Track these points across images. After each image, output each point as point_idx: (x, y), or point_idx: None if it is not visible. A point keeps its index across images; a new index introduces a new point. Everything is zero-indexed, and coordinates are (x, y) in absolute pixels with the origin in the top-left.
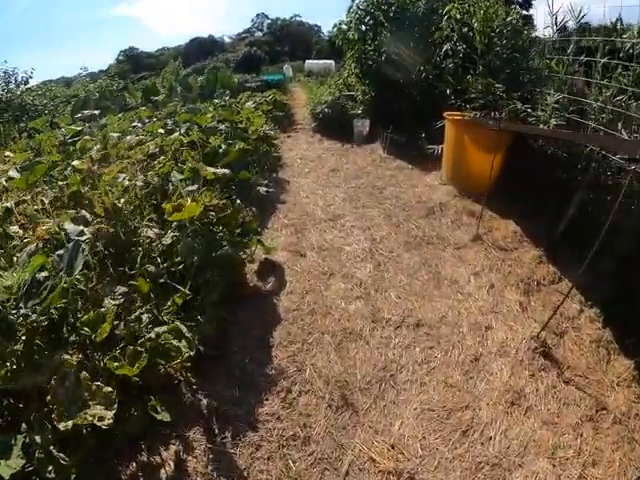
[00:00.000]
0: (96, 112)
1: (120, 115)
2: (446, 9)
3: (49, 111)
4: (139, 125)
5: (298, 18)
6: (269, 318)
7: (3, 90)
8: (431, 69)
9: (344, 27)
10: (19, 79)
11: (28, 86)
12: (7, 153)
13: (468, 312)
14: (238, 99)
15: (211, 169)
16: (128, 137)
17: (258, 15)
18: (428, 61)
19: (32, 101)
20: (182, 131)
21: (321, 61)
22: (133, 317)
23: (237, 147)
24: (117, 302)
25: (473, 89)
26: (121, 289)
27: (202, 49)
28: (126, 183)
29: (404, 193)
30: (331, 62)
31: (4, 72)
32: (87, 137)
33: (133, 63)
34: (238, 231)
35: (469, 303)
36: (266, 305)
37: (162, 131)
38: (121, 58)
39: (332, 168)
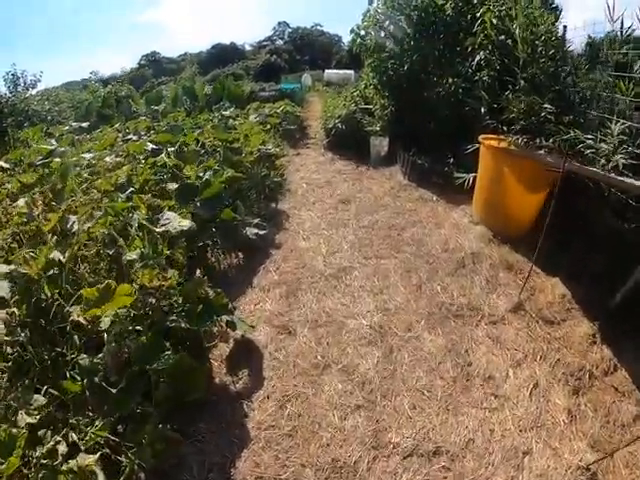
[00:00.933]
0: (84, 124)
1: (117, 126)
2: (480, 11)
3: (52, 118)
4: (133, 138)
5: (319, 27)
6: (235, 437)
7: (11, 93)
8: (461, 82)
9: (361, 32)
10: (27, 82)
11: (37, 90)
12: None
13: (503, 429)
14: (246, 110)
15: (161, 227)
16: (107, 158)
17: (279, 24)
18: (458, 73)
19: (35, 106)
20: (165, 154)
21: (341, 71)
22: (48, 447)
23: (224, 176)
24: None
25: (513, 108)
26: (39, 400)
27: (223, 56)
28: (76, 228)
29: (428, 236)
30: (351, 72)
31: (12, 75)
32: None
33: (154, 68)
34: (200, 308)
35: (505, 413)
36: (234, 415)
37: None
38: (143, 62)
39: (343, 198)
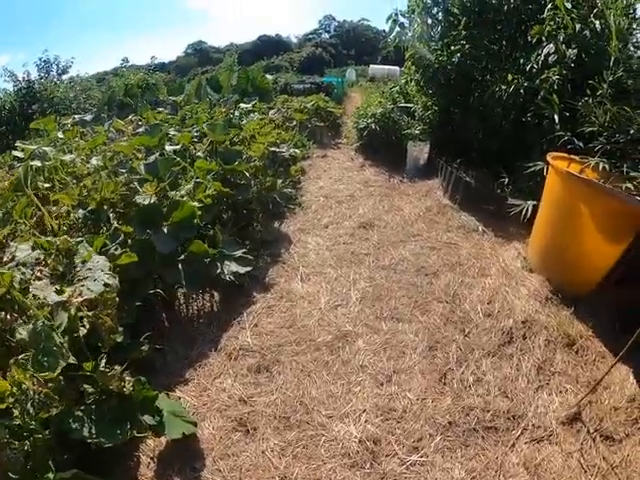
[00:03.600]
0: (87, 117)
1: (131, 117)
2: None
3: (77, 106)
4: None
5: (365, 22)
6: None
7: (41, 78)
8: (524, 81)
9: (402, 20)
10: (60, 68)
11: (69, 75)
12: None
13: None
14: (272, 103)
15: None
16: (94, 160)
17: (326, 17)
18: (520, 69)
19: (60, 94)
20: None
21: (386, 67)
22: None
23: (201, 194)
24: None
25: (594, 119)
26: None
27: (268, 47)
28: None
29: (467, 288)
30: (396, 68)
31: (44, 61)
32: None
33: (200, 57)
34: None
35: None
36: None
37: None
38: (189, 51)
39: (364, 221)
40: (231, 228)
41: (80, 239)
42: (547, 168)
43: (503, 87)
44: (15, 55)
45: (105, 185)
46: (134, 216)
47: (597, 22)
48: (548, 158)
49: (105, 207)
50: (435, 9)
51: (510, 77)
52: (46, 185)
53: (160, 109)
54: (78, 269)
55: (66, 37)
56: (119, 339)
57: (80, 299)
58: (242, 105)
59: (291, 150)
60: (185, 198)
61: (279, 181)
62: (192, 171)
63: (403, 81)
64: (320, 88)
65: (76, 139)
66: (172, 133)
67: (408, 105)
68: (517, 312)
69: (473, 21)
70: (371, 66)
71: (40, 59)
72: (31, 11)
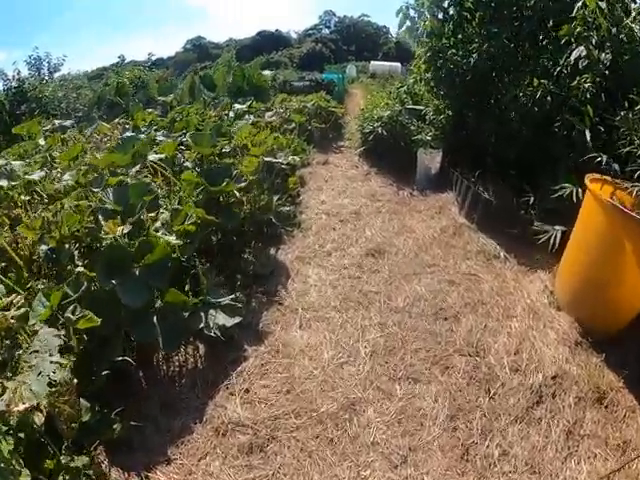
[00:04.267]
0: (67, 123)
1: (119, 120)
2: None
3: (67, 106)
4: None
5: (366, 18)
6: None
7: (31, 77)
8: (550, 87)
9: (412, 13)
10: (51, 65)
11: (60, 74)
12: None
13: None
14: (270, 103)
15: None
16: (67, 176)
17: (326, 12)
18: (545, 73)
19: (49, 93)
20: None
21: (387, 63)
22: None
23: (181, 226)
24: None
25: (635, 137)
26: None
27: (268, 43)
28: None
29: (492, 334)
30: (397, 65)
31: (35, 59)
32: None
33: (199, 52)
34: None
35: None
36: None
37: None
38: (188, 47)
39: (373, 247)
40: (219, 260)
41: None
42: (583, 191)
43: (528, 91)
44: (10, 53)
45: (67, 218)
46: (99, 259)
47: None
48: (586, 181)
49: (67, 245)
50: (446, 2)
51: (536, 81)
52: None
53: (150, 110)
54: (22, 351)
55: (65, 34)
56: (85, 417)
57: (21, 407)
58: (237, 106)
59: (289, 158)
60: (160, 232)
61: (275, 198)
62: (178, 184)
63: (411, 80)
64: (320, 86)
65: (58, 145)
66: (160, 138)
67: (418, 107)
68: (546, 364)
69: (489, 17)
70: (372, 62)
71: (30, 57)
72: (29, 8)
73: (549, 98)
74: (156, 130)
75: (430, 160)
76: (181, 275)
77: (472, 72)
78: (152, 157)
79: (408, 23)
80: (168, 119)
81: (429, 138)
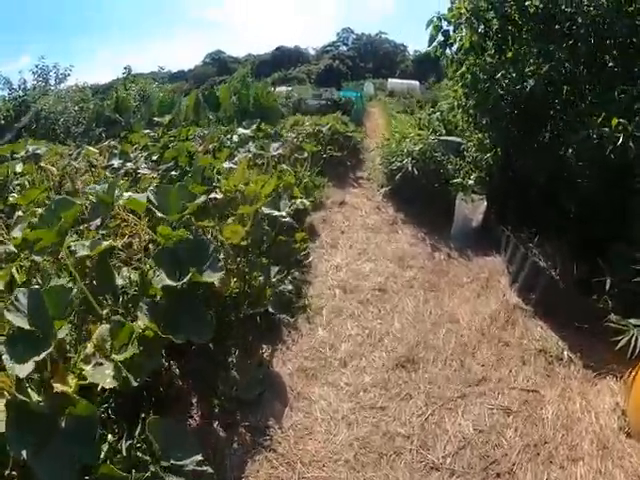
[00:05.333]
0: (39, 150)
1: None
2: None
3: (65, 121)
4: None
5: (383, 35)
6: None
7: (34, 88)
8: (633, 128)
9: (444, 25)
10: (59, 75)
11: (66, 84)
12: None
13: None
14: (280, 127)
15: None
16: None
17: (344, 29)
18: (625, 109)
19: (48, 107)
20: None
21: (405, 81)
22: None
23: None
24: None
25: None
26: None
27: (286, 58)
28: None
29: None
30: (416, 83)
31: (41, 68)
32: None
33: (218, 66)
34: None
35: None
36: None
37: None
38: (207, 60)
39: (404, 352)
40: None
41: None
42: None
43: (603, 133)
44: (35, 57)
45: None
46: None
47: None
48: None
49: None
50: (489, 14)
51: (615, 120)
52: None
53: (147, 131)
54: None
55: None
56: None
57: None
58: (240, 130)
59: (298, 202)
60: (92, 364)
61: (274, 272)
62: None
63: (446, 106)
64: (337, 105)
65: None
66: (143, 171)
67: (454, 139)
68: None
69: (538, 32)
70: (390, 80)
71: (37, 66)
72: (58, 15)
73: (631, 144)
74: (148, 157)
75: (472, 210)
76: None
77: (527, 100)
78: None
79: (440, 37)
80: (160, 144)
81: (471, 182)
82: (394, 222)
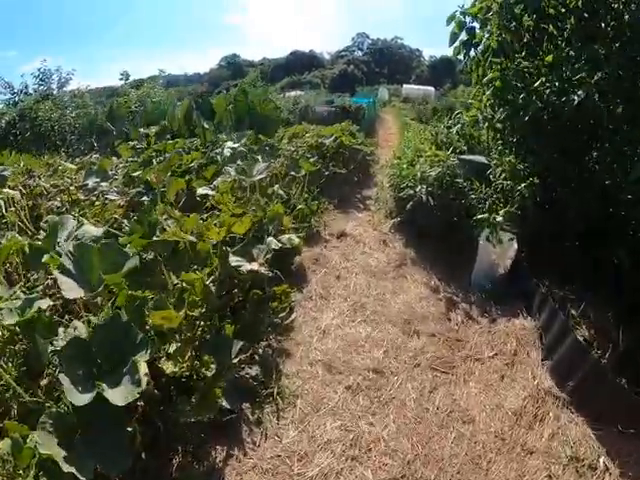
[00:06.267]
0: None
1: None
2: None
3: (61, 128)
4: None
5: (399, 41)
6: None
7: (35, 92)
8: None
9: (468, 21)
10: (62, 79)
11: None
12: None
13: None
14: (278, 138)
15: None
16: None
17: (359, 34)
18: None
19: (44, 113)
20: None
21: (421, 87)
22: None
23: None
24: None
25: None
26: None
27: (301, 63)
28: None
29: None
30: (431, 89)
31: (43, 72)
32: None
33: (233, 70)
34: None
35: None
36: None
37: None
38: (223, 64)
39: (394, 479)
40: None
41: None
42: None
43: None
44: (56, 58)
45: None
46: None
47: None
48: None
49: None
50: (519, 7)
51: None
52: None
53: (132, 143)
54: None
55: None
56: None
57: None
58: (229, 144)
59: (285, 239)
60: None
61: (235, 362)
62: None
63: (466, 118)
64: (347, 113)
65: None
66: (111, 197)
67: (479, 159)
68: None
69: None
70: (404, 86)
71: (39, 70)
72: (80, 19)
73: None
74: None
75: (500, 255)
76: None
77: (574, 117)
78: None
79: (463, 36)
80: (140, 161)
81: (500, 218)
82: (402, 263)
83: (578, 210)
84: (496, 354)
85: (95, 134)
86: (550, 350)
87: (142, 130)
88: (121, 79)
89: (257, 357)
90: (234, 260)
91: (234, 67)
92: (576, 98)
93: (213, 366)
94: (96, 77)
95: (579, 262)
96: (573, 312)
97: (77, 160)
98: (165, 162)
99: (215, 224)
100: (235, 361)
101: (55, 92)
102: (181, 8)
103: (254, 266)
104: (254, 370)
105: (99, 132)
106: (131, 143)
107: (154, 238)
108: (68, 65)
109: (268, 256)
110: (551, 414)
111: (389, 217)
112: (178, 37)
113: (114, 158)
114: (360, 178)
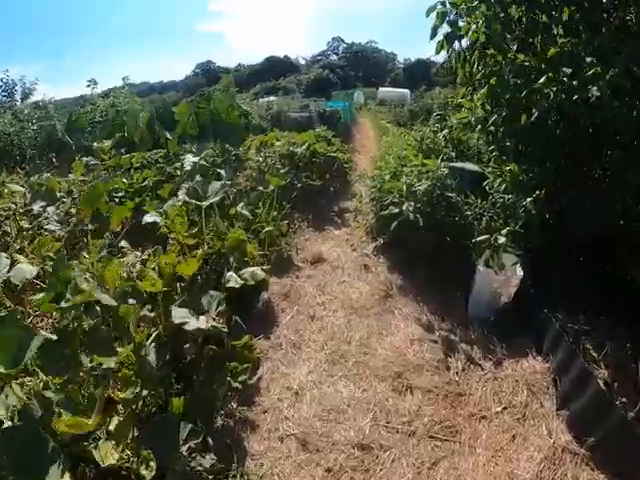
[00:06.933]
0: None
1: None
2: None
3: (21, 142)
4: None
5: (374, 44)
6: None
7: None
8: None
9: (450, 11)
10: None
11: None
12: None
13: None
14: (246, 147)
15: None
16: None
17: (334, 39)
18: None
19: (3, 127)
20: None
21: (396, 89)
22: None
23: None
24: None
25: None
26: None
27: (276, 68)
28: None
29: None
30: (407, 92)
31: (5, 82)
32: None
33: (208, 77)
34: None
35: None
36: None
37: None
38: (197, 71)
39: None
40: None
41: None
42: None
43: None
44: (28, 66)
45: None
46: None
47: None
48: None
49: None
50: None
51: None
52: None
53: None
54: None
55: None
56: None
57: None
58: (189, 158)
59: (247, 274)
60: None
61: (184, 451)
62: None
63: (454, 121)
64: (323, 118)
65: None
66: (51, 227)
67: (472, 167)
68: None
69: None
70: (380, 89)
71: (2, 80)
72: (58, 25)
73: None
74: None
75: (502, 283)
76: None
77: (585, 120)
78: None
79: (446, 28)
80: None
81: (502, 240)
82: (387, 294)
83: (593, 227)
84: (505, 408)
85: (55, 149)
86: (566, 398)
87: (96, 144)
88: (88, 86)
89: (212, 441)
90: (178, 316)
91: (209, 74)
92: (595, 94)
93: (153, 464)
94: (78, 85)
95: (591, 284)
96: (589, 346)
97: (32, 179)
98: (90, 191)
99: (153, 268)
100: (184, 449)
101: (19, 104)
102: (155, 15)
103: (202, 324)
104: (208, 460)
105: (59, 146)
106: (84, 159)
107: (62, 303)
108: (43, 75)
109: (221, 307)
110: (569, 474)
111: (370, 234)
112: (155, 45)
113: (71, 175)
114: (337, 188)
